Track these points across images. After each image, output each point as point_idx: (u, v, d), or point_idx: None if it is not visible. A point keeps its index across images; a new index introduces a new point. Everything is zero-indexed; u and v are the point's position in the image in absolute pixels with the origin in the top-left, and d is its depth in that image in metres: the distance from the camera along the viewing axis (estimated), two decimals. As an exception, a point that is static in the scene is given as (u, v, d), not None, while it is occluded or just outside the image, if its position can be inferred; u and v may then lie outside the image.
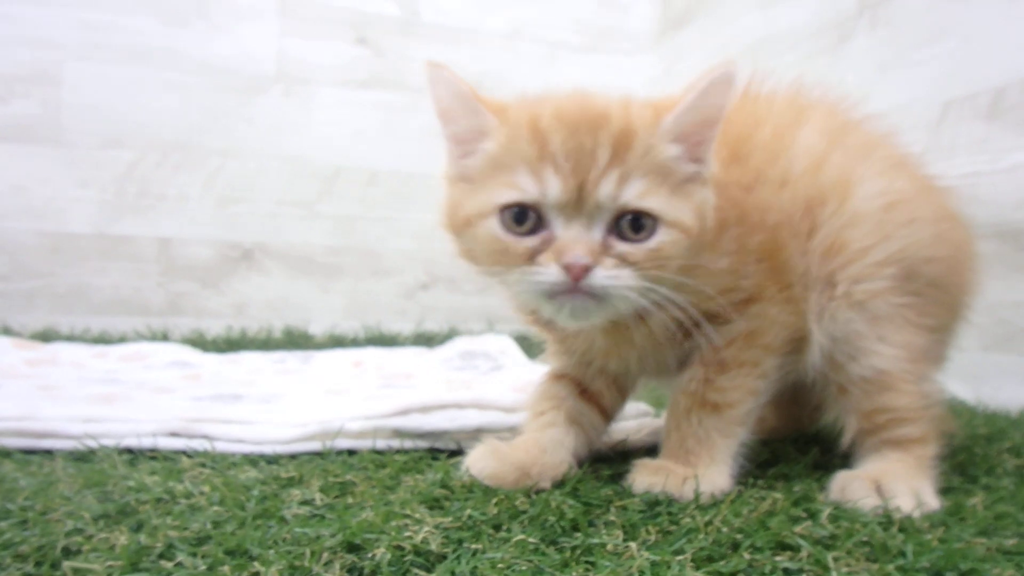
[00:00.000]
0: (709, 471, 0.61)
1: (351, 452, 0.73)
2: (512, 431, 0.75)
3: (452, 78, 0.63)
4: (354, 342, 1.66)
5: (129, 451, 0.70)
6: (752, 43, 1.63)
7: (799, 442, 0.80)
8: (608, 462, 0.72)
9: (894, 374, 0.63)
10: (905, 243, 0.64)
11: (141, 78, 1.65)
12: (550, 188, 0.56)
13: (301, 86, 1.77)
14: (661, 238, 0.56)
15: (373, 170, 1.81)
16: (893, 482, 0.61)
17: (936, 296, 0.67)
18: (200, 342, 1.57)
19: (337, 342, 1.65)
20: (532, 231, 0.57)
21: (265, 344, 1.60)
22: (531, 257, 0.57)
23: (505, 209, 0.58)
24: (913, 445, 0.65)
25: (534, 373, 1.09)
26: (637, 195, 0.56)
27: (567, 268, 0.54)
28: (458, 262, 1.86)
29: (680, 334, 0.63)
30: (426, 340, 1.70)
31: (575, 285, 0.55)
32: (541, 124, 0.59)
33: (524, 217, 0.57)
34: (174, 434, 0.71)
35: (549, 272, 0.55)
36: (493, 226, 0.58)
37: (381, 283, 1.81)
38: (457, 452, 0.74)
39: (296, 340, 1.64)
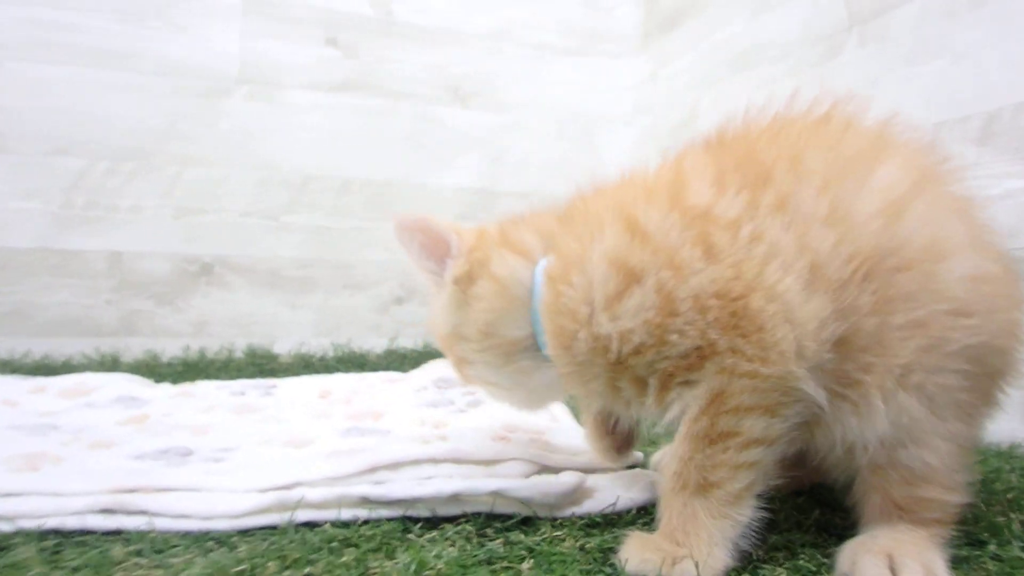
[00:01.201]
0: (703, 553, 0.54)
1: (313, 525, 0.64)
2: (494, 495, 0.67)
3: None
4: (322, 362, 1.57)
5: (57, 532, 0.61)
6: (740, 51, 1.57)
7: (798, 499, 0.73)
8: (597, 528, 0.64)
9: (940, 469, 0.56)
10: (988, 335, 0.56)
11: (91, 80, 1.53)
12: None
13: (267, 89, 1.66)
14: None
15: (345, 178, 1.71)
16: (905, 557, 0.54)
17: (992, 385, 0.60)
18: (154, 365, 1.47)
19: (305, 362, 1.56)
20: None
21: (226, 366, 1.50)
22: None
23: None
24: (932, 523, 0.58)
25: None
26: None
27: None
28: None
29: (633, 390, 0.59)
30: (399, 359, 1.61)
31: None
32: None
33: None
34: (107, 511, 0.62)
35: None
36: None
37: (353, 297, 1.71)
38: (432, 521, 0.65)
39: (260, 361, 1.54)
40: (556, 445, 0.82)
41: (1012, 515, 0.66)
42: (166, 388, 1.17)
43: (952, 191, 0.63)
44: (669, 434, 0.86)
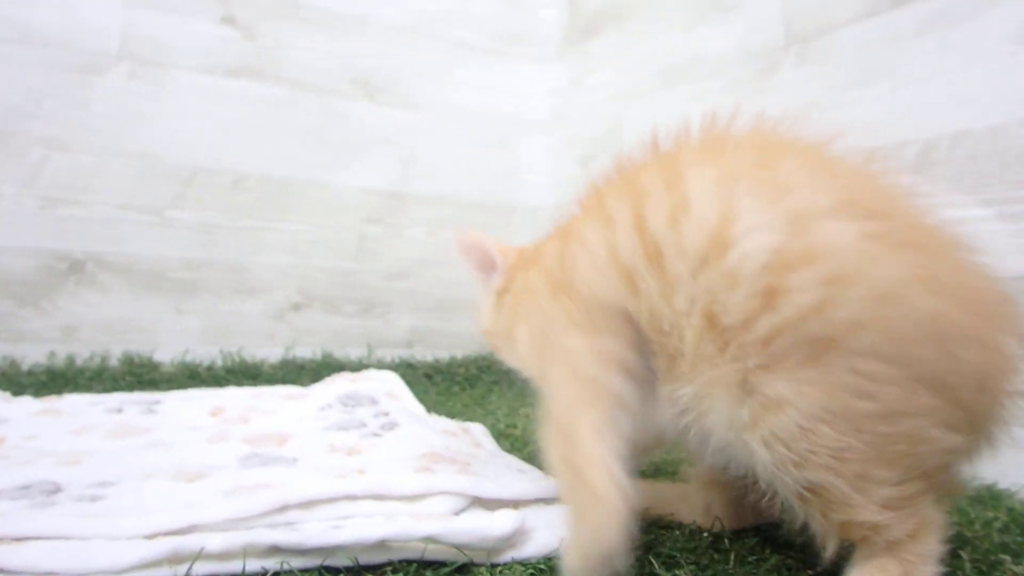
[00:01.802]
0: None
1: (213, 580, 0.54)
2: (426, 541, 0.59)
3: None
4: (210, 371, 1.44)
5: None
6: (669, 64, 1.55)
7: (749, 537, 0.69)
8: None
9: (846, 489, 0.51)
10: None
11: (-60, 46, 1.33)
12: None
13: (151, 69, 1.50)
14: None
15: (240, 172, 1.57)
16: None
17: None
18: (13, 374, 1.30)
19: (190, 372, 1.42)
20: None
21: (98, 375, 1.34)
22: None
23: None
24: (902, 547, 0.54)
25: (433, 430, 0.94)
26: None
27: None
28: (337, 280, 1.65)
29: None
30: (296, 369, 1.50)
31: None
32: None
33: None
34: (-53, 573, 0.50)
35: None
36: None
37: (246, 303, 1.57)
38: (354, 571, 0.57)
39: (138, 370, 1.39)
40: (486, 474, 0.75)
41: (1005, 558, 0.64)
42: (27, 403, 1.02)
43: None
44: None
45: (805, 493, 0.51)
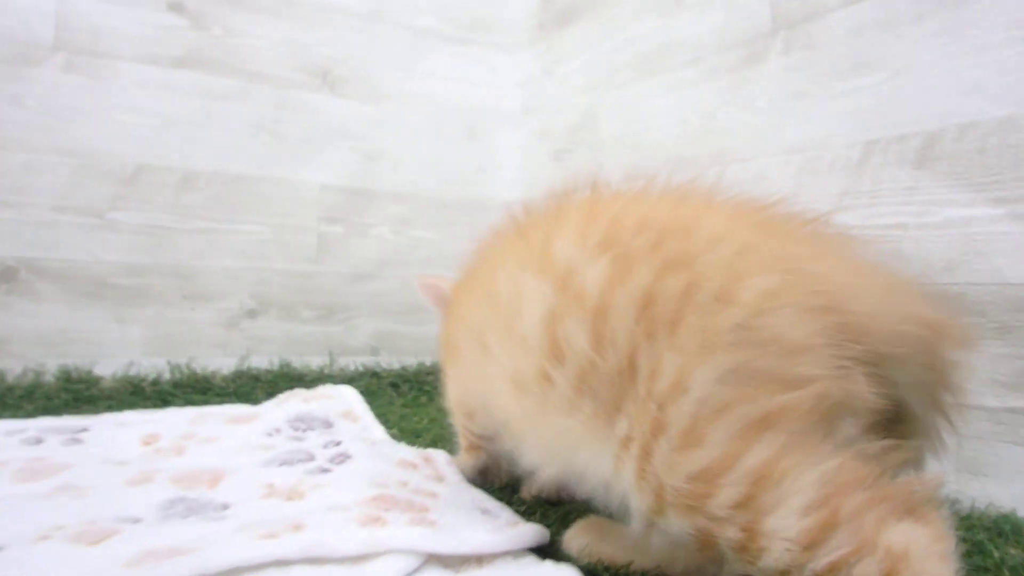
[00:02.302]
0: None
1: None
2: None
3: None
4: (155, 386, 1.33)
5: None
6: (646, 51, 1.44)
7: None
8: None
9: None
10: None
11: None
12: None
13: (91, 59, 1.38)
14: None
15: (188, 170, 1.46)
16: None
17: None
18: (-66, 394, 1.18)
19: (133, 387, 1.31)
20: None
21: (31, 393, 1.23)
22: None
23: None
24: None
25: (390, 462, 0.84)
26: None
27: None
28: (295, 283, 1.54)
29: None
30: (251, 381, 1.39)
31: None
32: None
33: None
34: None
35: None
36: None
37: (196, 310, 1.46)
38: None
39: (76, 386, 1.28)
40: (444, 522, 0.66)
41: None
42: (-67, 434, 0.91)
43: None
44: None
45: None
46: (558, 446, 0.56)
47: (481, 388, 0.67)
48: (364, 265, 1.63)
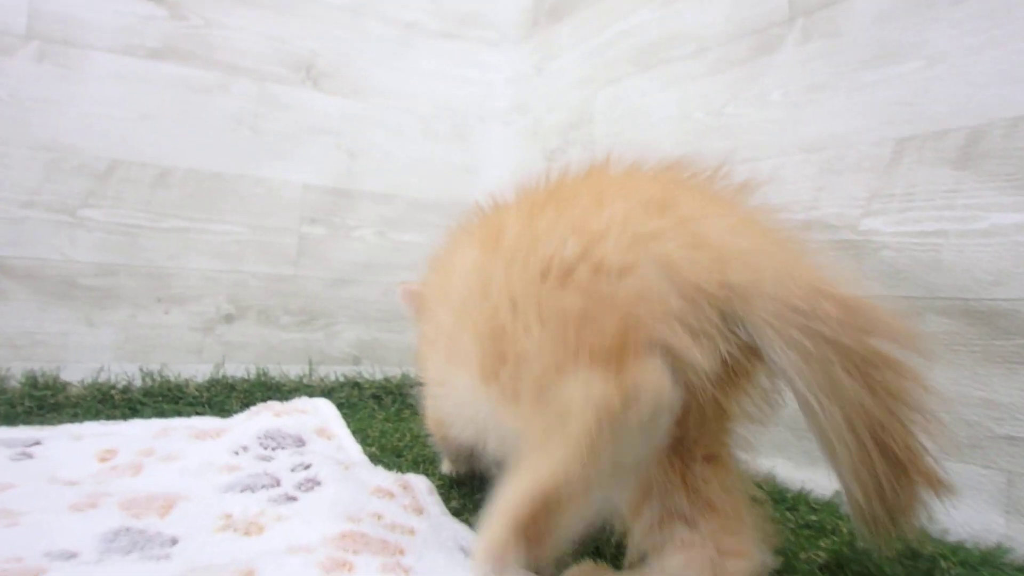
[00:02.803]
0: None
1: None
2: None
3: None
4: (125, 394, 1.27)
5: None
6: (645, 43, 1.36)
7: None
8: None
9: None
10: None
11: None
12: None
13: (64, 49, 1.32)
14: None
15: (164, 166, 1.40)
16: None
17: None
18: None
19: (102, 395, 1.25)
20: None
21: (-7, 398, 1.17)
22: None
23: None
24: None
25: (364, 489, 0.78)
26: None
27: None
28: (274, 287, 1.47)
29: None
30: (226, 390, 1.33)
31: None
32: None
33: None
34: None
35: None
36: None
37: (170, 314, 1.40)
38: None
39: (42, 392, 1.22)
40: (420, 568, 0.60)
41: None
42: None
43: None
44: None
45: None
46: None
47: (450, 388, 0.68)
48: (346, 269, 1.57)
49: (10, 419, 1.11)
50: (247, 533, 0.65)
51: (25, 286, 1.29)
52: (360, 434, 1.15)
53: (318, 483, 0.78)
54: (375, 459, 1.00)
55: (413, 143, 1.66)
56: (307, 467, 0.83)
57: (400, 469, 0.97)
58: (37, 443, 0.92)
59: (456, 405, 0.68)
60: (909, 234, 0.89)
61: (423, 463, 1.01)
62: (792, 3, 1.07)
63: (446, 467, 0.94)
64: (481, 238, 0.65)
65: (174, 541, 0.63)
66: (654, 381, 0.46)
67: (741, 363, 0.50)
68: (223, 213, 1.44)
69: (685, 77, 1.27)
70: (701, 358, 0.47)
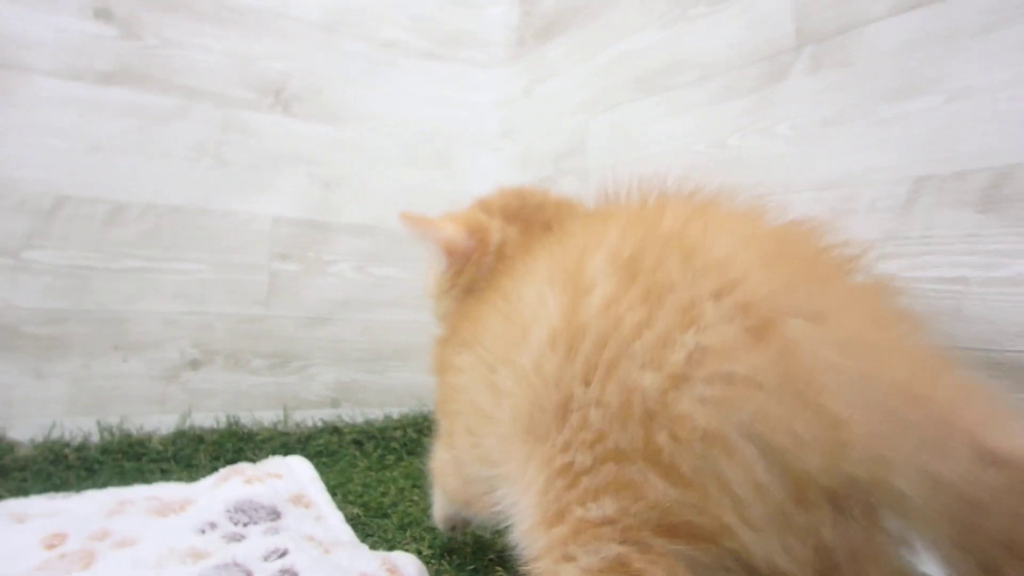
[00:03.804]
0: None
1: None
2: None
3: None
4: (80, 453, 1.16)
5: None
6: (644, 69, 1.30)
7: None
8: None
9: None
10: None
11: None
12: None
13: (5, 74, 1.21)
14: None
15: (117, 202, 1.29)
16: None
17: None
18: None
19: (55, 455, 1.15)
20: None
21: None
22: None
23: None
24: None
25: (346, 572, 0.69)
26: None
27: None
28: (243, 329, 1.38)
29: None
30: (193, 443, 1.24)
31: None
32: None
33: None
34: None
35: None
36: None
37: (128, 362, 1.29)
38: None
39: (-16, 455, 1.10)
40: None
41: None
42: None
43: None
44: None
45: None
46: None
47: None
48: (322, 307, 1.46)
49: (-53, 489, 1.00)
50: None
51: (-37, 336, 1.17)
52: (341, 489, 1.08)
53: (295, 574, 0.68)
54: (358, 520, 0.94)
55: (393, 171, 1.57)
56: (282, 555, 0.73)
57: (385, 535, 0.91)
58: (-25, 528, 0.81)
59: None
60: (927, 280, 0.86)
61: (410, 525, 0.94)
62: (800, 30, 1.03)
63: (440, 522, 0.84)
64: (556, 273, 0.54)
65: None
66: None
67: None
68: (185, 251, 1.33)
69: (687, 106, 1.22)
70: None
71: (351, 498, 1.04)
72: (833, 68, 0.98)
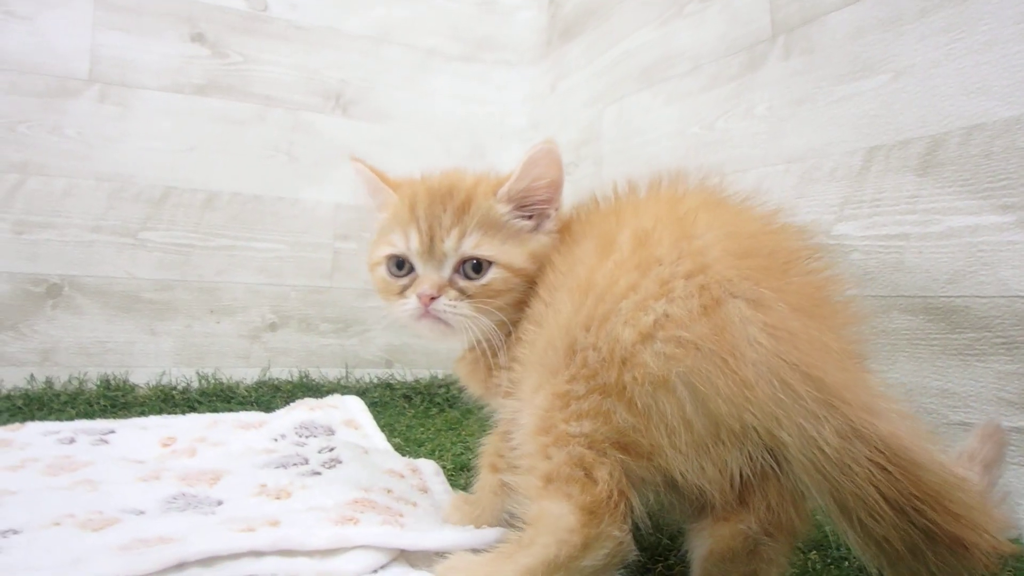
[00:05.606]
0: None
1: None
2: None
3: (365, 170, 0.82)
4: (184, 395, 1.42)
5: None
6: (648, 64, 1.43)
7: None
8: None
9: None
10: None
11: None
12: (411, 243, 0.73)
13: (121, 90, 1.49)
14: (492, 275, 0.72)
15: (211, 191, 1.56)
16: None
17: None
18: (-11, 398, 1.29)
19: (164, 395, 1.41)
20: (406, 274, 0.75)
21: (75, 399, 1.34)
22: (403, 292, 0.74)
23: (388, 258, 0.76)
24: None
25: (378, 470, 0.90)
26: (472, 245, 0.72)
27: (419, 297, 0.71)
28: (312, 298, 1.62)
29: None
30: (271, 391, 1.48)
31: (426, 310, 0.71)
32: (414, 197, 0.75)
33: (401, 264, 0.75)
34: None
35: (410, 301, 0.72)
36: (382, 270, 0.77)
37: (221, 324, 1.56)
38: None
39: (114, 393, 1.38)
40: (417, 525, 0.72)
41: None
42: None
43: None
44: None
45: None
46: None
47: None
48: (377, 278, 1.70)
49: (89, 415, 1.27)
50: (277, 498, 0.79)
51: (95, 301, 1.46)
52: (388, 428, 1.26)
53: (339, 462, 0.91)
54: (399, 449, 1.10)
55: (434, 162, 1.77)
56: (332, 449, 0.96)
57: (417, 456, 1.07)
58: (111, 432, 1.08)
59: None
60: (876, 237, 0.95)
61: (439, 452, 1.11)
62: (775, 21, 1.13)
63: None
64: (602, 242, 0.64)
65: (219, 503, 0.77)
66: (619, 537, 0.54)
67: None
68: (265, 232, 1.59)
69: (682, 94, 1.33)
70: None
71: (396, 433, 1.23)
72: (800, 55, 1.08)
